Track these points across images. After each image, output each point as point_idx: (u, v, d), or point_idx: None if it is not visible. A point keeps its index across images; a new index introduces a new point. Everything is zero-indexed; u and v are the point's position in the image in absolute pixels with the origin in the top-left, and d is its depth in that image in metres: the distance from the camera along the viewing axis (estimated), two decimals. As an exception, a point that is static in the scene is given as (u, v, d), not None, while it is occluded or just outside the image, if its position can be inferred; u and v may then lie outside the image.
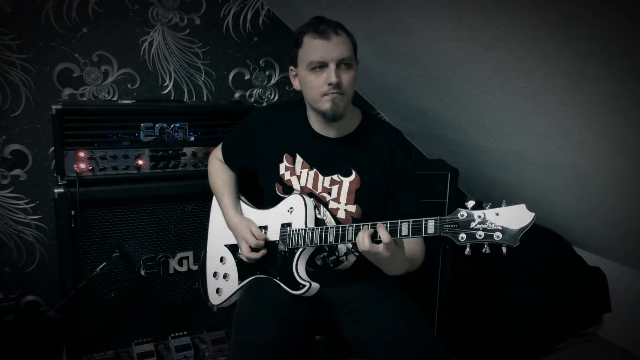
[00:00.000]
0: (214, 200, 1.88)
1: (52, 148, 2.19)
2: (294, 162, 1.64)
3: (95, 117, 1.97)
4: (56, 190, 1.91)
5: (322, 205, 1.62)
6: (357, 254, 1.63)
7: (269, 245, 1.63)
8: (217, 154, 1.88)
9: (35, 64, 2.18)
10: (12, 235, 2.27)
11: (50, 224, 2.29)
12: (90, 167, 1.95)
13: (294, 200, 1.61)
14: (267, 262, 1.63)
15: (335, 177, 1.60)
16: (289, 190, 1.65)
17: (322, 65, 1.46)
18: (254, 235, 1.62)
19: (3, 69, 2.13)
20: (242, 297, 1.68)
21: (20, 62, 2.15)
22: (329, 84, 1.45)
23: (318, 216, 1.60)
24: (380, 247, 1.33)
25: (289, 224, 1.59)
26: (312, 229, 1.52)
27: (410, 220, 1.34)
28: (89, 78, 2.28)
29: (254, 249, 1.62)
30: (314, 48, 1.46)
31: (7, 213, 2.25)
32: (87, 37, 2.24)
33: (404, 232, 1.34)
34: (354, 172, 1.59)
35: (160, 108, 2.12)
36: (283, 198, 1.64)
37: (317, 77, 1.47)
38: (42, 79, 2.20)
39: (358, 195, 1.59)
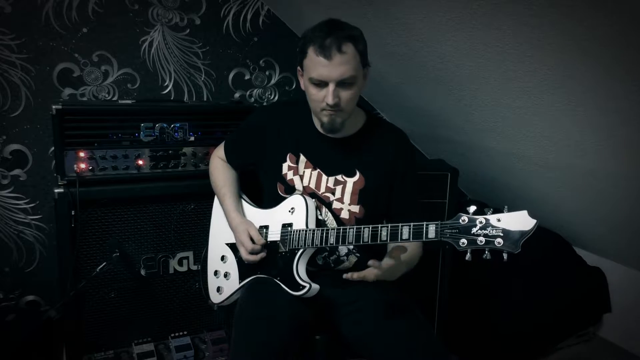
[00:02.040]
0: (216, 198, 1.88)
1: (52, 148, 2.19)
2: (297, 162, 1.64)
3: (95, 117, 1.97)
4: (56, 190, 1.90)
5: (324, 207, 1.62)
6: (357, 254, 1.63)
7: (270, 245, 1.63)
8: (219, 152, 1.86)
9: (35, 64, 2.18)
10: (12, 235, 2.27)
11: (50, 224, 2.29)
12: (90, 167, 1.95)
13: (295, 201, 1.60)
14: (267, 262, 1.63)
15: (339, 177, 1.61)
16: (290, 190, 1.64)
17: (322, 83, 1.45)
18: (252, 239, 1.62)
19: (3, 69, 2.13)
20: (243, 296, 1.68)
21: (20, 62, 2.15)
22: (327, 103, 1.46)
23: (319, 217, 1.60)
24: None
25: (290, 225, 1.58)
26: (313, 230, 1.52)
27: (412, 224, 1.34)
28: (89, 78, 2.28)
29: (252, 252, 1.62)
30: (315, 65, 1.44)
31: (7, 213, 2.25)
32: (87, 37, 2.24)
33: (405, 236, 1.35)
34: (358, 173, 1.60)
35: (160, 108, 2.12)
36: (285, 198, 1.64)
37: (317, 91, 1.47)
38: (42, 79, 2.20)
39: (362, 196, 1.59)
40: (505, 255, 1.20)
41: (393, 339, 1.45)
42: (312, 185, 1.62)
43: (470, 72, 1.87)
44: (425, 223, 1.32)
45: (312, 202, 1.59)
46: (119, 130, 1.99)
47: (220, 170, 1.83)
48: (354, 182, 1.59)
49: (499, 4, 1.45)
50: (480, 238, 1.22)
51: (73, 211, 1.90)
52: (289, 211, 1.60)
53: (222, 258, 1.78)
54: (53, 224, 2.20)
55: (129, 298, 2.10)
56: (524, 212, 1.19)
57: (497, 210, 1.24)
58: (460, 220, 1.26)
